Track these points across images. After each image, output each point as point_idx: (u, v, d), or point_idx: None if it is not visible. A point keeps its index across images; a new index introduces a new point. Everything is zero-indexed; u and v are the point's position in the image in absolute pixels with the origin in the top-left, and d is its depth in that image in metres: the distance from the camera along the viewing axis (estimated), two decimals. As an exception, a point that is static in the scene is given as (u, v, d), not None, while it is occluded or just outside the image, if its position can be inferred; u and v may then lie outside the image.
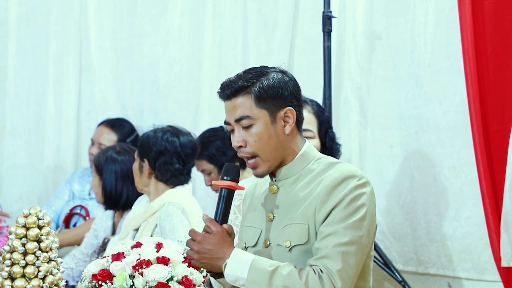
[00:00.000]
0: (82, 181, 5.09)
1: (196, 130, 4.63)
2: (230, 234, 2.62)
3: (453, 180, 4.11)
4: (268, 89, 2.64)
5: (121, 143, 4.74)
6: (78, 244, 4.61)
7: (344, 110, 4.53)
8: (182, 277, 2.88)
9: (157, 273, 2.85)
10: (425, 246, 4.22)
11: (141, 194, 4.13)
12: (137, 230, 3.95)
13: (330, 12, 4.24)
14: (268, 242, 2.67)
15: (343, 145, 4.03)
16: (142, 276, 2.85)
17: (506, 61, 3.80)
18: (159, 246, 2.94)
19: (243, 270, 2.54)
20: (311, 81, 4.49)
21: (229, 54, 4.97)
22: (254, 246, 2.71)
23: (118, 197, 4.30)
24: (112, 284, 2.85)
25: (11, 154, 5.59)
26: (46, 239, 2.70)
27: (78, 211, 4.97)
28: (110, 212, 4.43)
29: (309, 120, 3.77)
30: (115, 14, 5.38)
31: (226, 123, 2.70)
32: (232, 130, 2.69)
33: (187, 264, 2.91)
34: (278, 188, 2.70)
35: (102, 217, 4.45)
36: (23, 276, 2.68)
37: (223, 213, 2.64)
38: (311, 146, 2.74)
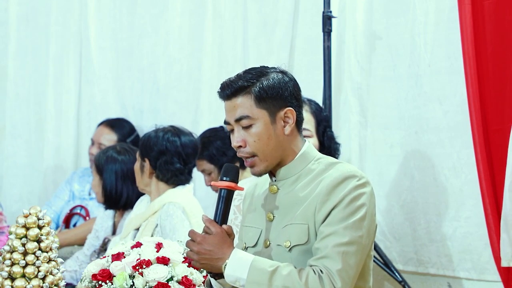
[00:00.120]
0: (82, 181, 5.09)
1: (196, 130, 4.63)
2: (230, 234, 2.62)
3: (453, 180, 4.11)
4: (268, 89, 2.64)
5: (122, 143, 4.74)
6: (78, 244, 4.61)
7: (344, 110, 4.53)
8: (182, 277, 2.87)
9: (157, 273, 2.85)
10: (425, 246, 4.22)
11: (141, 194, 4.14)
12: (137, 229, 3.96)
13: (330, 12, 4.24)
14: (268, 242, 2.67)
15: (343, 145, 4.03)
16: (142, 276, 2.85)
17: (506, 61, 3.80)
18: (159, 246, 2.94)
19: (243, 270, 2.54)
20: (311, 81, 4.49)
21: (229, 54, 4.97)
22: (254, 246, 2.71)
23: (118, 196, 4.30)
24: (112, 284, 2.85)
25: (11, 154, 5.60)
26: (46, 239, 2.70)
27: (78, 211, 4.97)
28: (110, 212, 4.43)
29: (307, 119, 3.76)
30: (115, 14, 5.38)
31: (226, 123, 2.70)
32: (232, 130, 2.69)
33: (187, 264, 2.91)
34: (278, 188, 2.70)
35: (102, 217, 4.45)
36: (23, 276, 2.68)
37: (222, 213, 2.64)
38: (311, 146, 2.74)
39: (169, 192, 3.94)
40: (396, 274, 4.17)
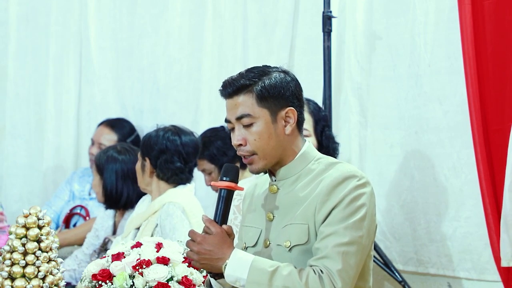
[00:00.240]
0: (82, 181, 5.09)
1: (196, 130, 4.62)
2: (230, 234, 2.62)
3: (453, 180, 4.11)
4: (270, 89, 2.65)
5: (122, 142, 4.75)
6: (78, 244, 4.61)
7: (344, 110, 4.53)
8: (182, 277, 2.87)
9: (157, 273, 2.85)
10: (425, 246, 4.22)
11: (142, 194, 4.14)
12: (138, 229, 3.96)
13: (330, 12, 4.24)
14: (268, 242, 2.67)
15: (343, 145, 4.03)
16: (142, 276, 2.84)
17: (506, 61, 3.80)
18: (159, 246, 2.94)
19: (243, 270, 2.54)
20: (311, 81, 4.49)
21: (229, 54, 4.97)
22: (254, 246, 2.71)
23: (119, 196, 4.31)
24: (112, 284, 2.84)
25: (11, 154, 5.59)
26: (46, 239, 2.70)
27: (78, 211, 4.97)
28: (111, 212, 4.43)
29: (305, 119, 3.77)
30: (115, 14, 5.38)
31: (226, 121, 2.70)
32: (233, 128, 2.69)
33: (187, 264, 2.90)
34: (278, 188, 2.70)
35: (103, 216, 4.45)
36: (23, 276, 2.68)
37: (222, 213, 2.64)
38: (311, 146, 2.73)
39: (169, 191, 3.94)
40: (396, 274, 4.17)
